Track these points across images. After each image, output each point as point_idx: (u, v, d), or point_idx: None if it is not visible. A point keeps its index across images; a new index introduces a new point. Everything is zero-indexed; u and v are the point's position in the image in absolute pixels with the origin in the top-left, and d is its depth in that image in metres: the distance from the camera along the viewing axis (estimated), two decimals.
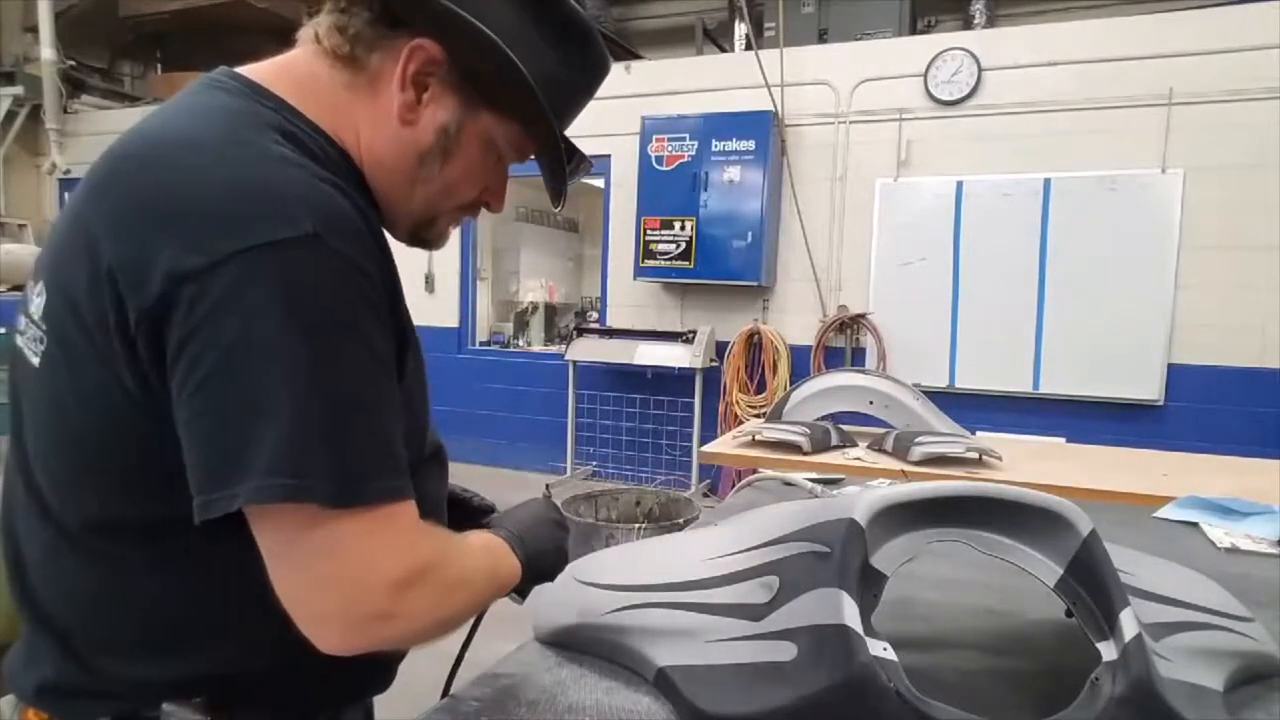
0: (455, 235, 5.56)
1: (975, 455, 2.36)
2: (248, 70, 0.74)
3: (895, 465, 2.32)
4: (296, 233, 0.60)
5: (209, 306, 0.59)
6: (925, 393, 2.92)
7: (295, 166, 0.65)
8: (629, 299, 5.68)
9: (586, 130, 0.81)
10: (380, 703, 0.92)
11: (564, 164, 0.79)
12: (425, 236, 0.83)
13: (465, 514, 0.97)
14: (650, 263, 5.22)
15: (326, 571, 0.62)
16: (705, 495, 5.22)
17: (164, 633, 0.71)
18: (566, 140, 0.81)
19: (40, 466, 0.71)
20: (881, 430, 2.71)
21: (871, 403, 2.83)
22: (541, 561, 0.87)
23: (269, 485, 0.59)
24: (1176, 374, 4.45)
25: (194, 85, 0.73)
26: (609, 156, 5.55)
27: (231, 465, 0.59)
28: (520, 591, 0.87)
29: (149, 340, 0.61)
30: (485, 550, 0.80)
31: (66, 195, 6.25)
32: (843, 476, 1.89)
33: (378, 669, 0.85)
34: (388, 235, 0.82)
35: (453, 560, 0.71)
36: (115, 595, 0.70)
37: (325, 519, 0.61)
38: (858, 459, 2.43)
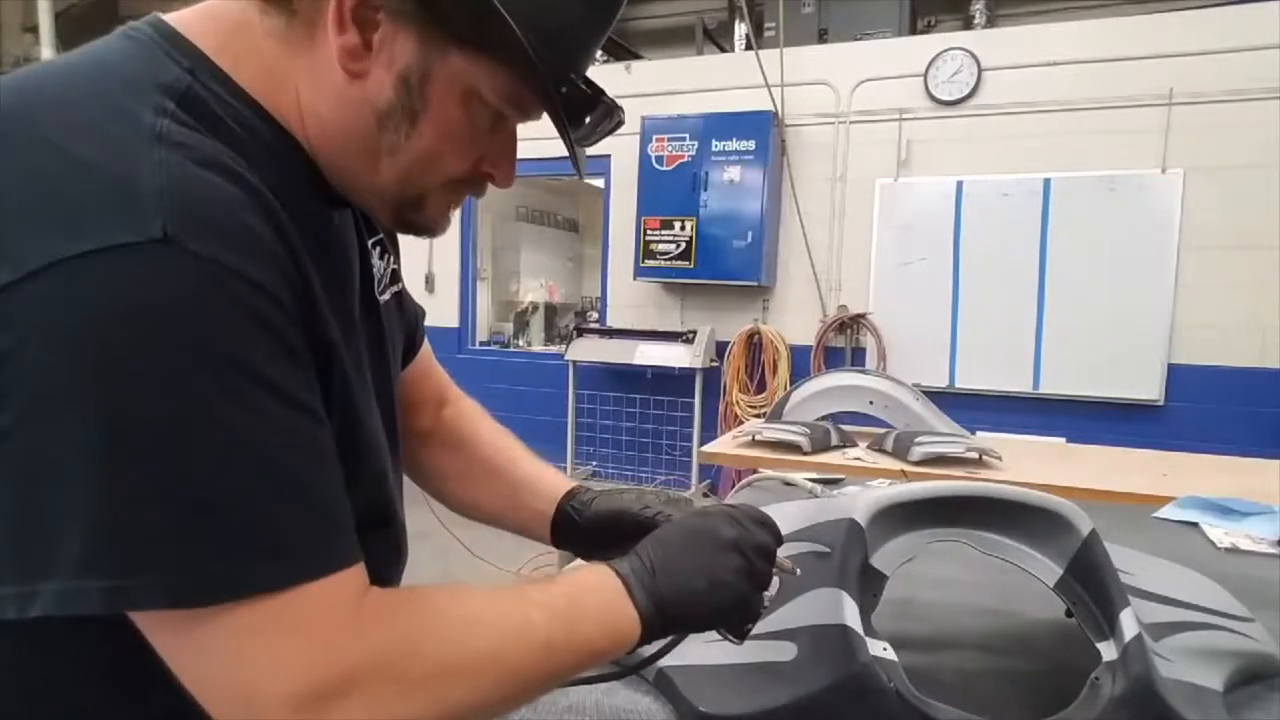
0: (455, 234, 5.43)
1: (975, 455, 2.36)
2: (176, 16, 0.59)
3: (895, 465, 2.32)
4: (138, 237, 0.45)
5: (13, 337, 0.44)
6: (925, 393, 2.92)
7: (169, 146, 0.49)
8: (629, 299, 5.68)
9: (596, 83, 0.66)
10: None
11: (561, 114, 0.59)
12: (414, 221, 0.65)
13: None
14: (650, 263, 5.21)
15: (211, 684, 0.48)
16: (705, 495, 5.22)
17: None
18: (581, 86, 0.60)
19: None
20: (881, 430, 2.71)
21: (871, 403, 2.84)
22: (687, 605, 0.63)
23: (79, 589, 0.44)
24: (1176, 374, 4.45)
25: (108, 35, 0.59)
26: (609, 156, 5.55)
27: (31, 554, 0.45)
28: (645, 641, 0.62)
29: None
30: (546, 613, 0.58)
31: None
32: (843, 476, 1.90)
33: None
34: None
35: (430, 648, 0.52)
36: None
37: (191, 620, 0.46)
38: (858, 459, 2.43)
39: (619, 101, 0.63)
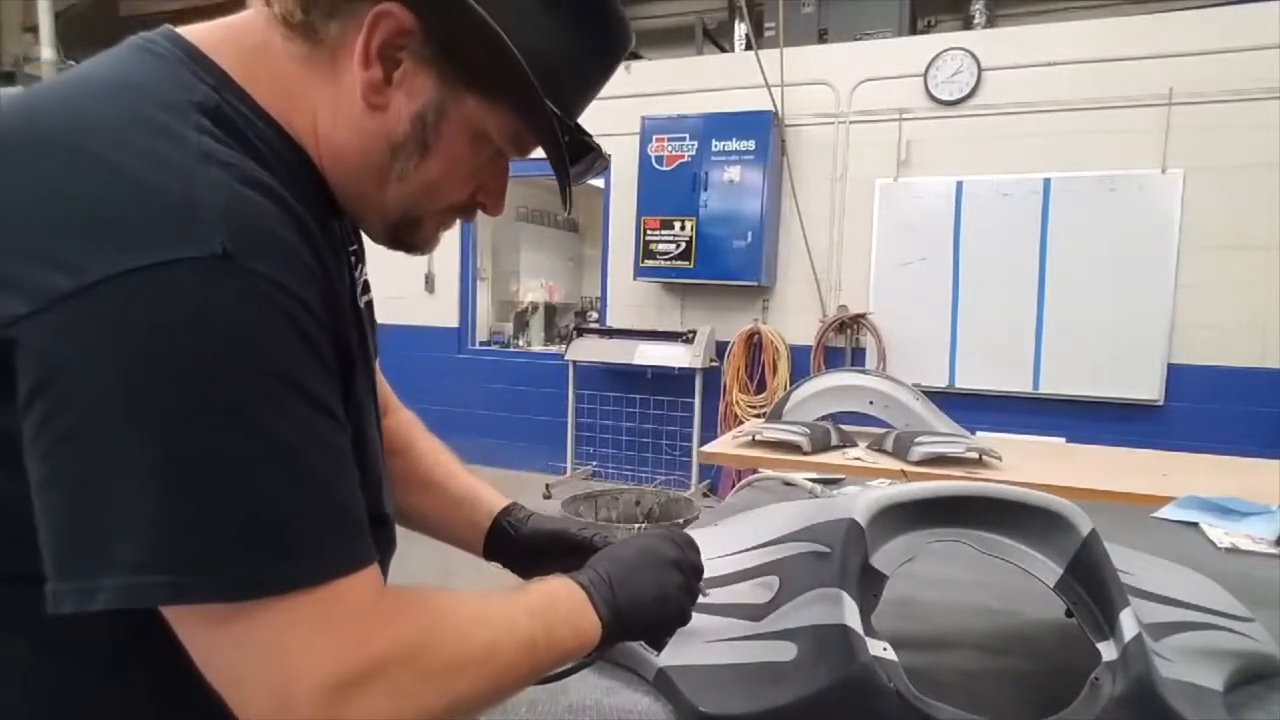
0: (454, 234, 5.42)
1: (975, 455, 2.36)
2: (191, 31, 0.61)
3: (895, 465, 2.32)
4: (200, 252, 0.47)
5: (73, 345, 0.46)
6: (925, 393, 2.92)
7: (217, 165, 0.52)
8: (629, 299, 5.68)
9: (586, 129, 0.73)
10: None
11: (565, 161, 0.64)
12: (408, 240, 0.70)
13: (586, 558, 0.77)
14: (650, 263, 5.21)
15: (245, 677, 0.50)
16: (705, 495, 5.22)
17: None
18: (577, 132, 0.67)
19: None
20: (881, 430, 2.71)
21: (871, 403, 2.83)
22: (637, 615, 0.70)
23: (140, 584, 0.47)
24: (1176, 374, 4.45)
25: (121, 46, 0.59)
26: (609, 157, 5.54)
27: (90, 552, 0.47)
28: (602, 644, 0.69)
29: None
30: (528, 614, 0.63)
31: None
32: (843, 476, 1.89)
33: None
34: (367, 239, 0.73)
35: (443, 642, 0.56)
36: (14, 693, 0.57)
37: (232, 615, 0.49)
38: (858, 459, 2.43)
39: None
